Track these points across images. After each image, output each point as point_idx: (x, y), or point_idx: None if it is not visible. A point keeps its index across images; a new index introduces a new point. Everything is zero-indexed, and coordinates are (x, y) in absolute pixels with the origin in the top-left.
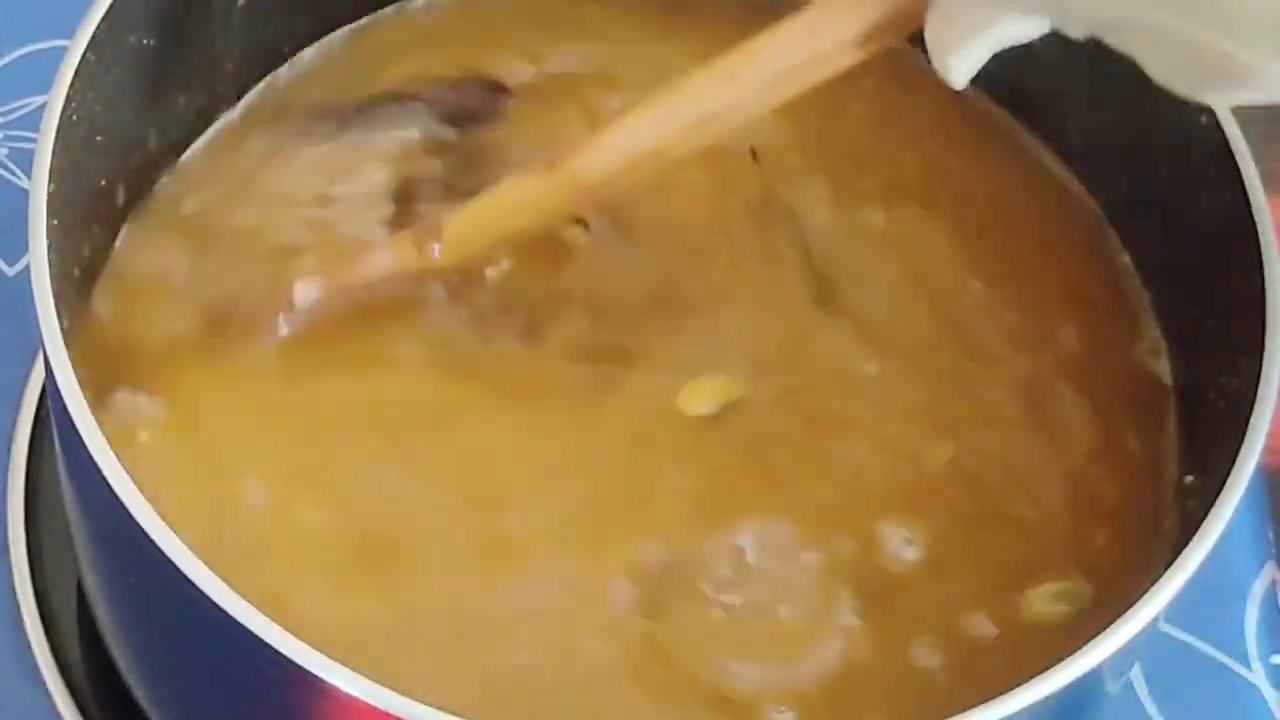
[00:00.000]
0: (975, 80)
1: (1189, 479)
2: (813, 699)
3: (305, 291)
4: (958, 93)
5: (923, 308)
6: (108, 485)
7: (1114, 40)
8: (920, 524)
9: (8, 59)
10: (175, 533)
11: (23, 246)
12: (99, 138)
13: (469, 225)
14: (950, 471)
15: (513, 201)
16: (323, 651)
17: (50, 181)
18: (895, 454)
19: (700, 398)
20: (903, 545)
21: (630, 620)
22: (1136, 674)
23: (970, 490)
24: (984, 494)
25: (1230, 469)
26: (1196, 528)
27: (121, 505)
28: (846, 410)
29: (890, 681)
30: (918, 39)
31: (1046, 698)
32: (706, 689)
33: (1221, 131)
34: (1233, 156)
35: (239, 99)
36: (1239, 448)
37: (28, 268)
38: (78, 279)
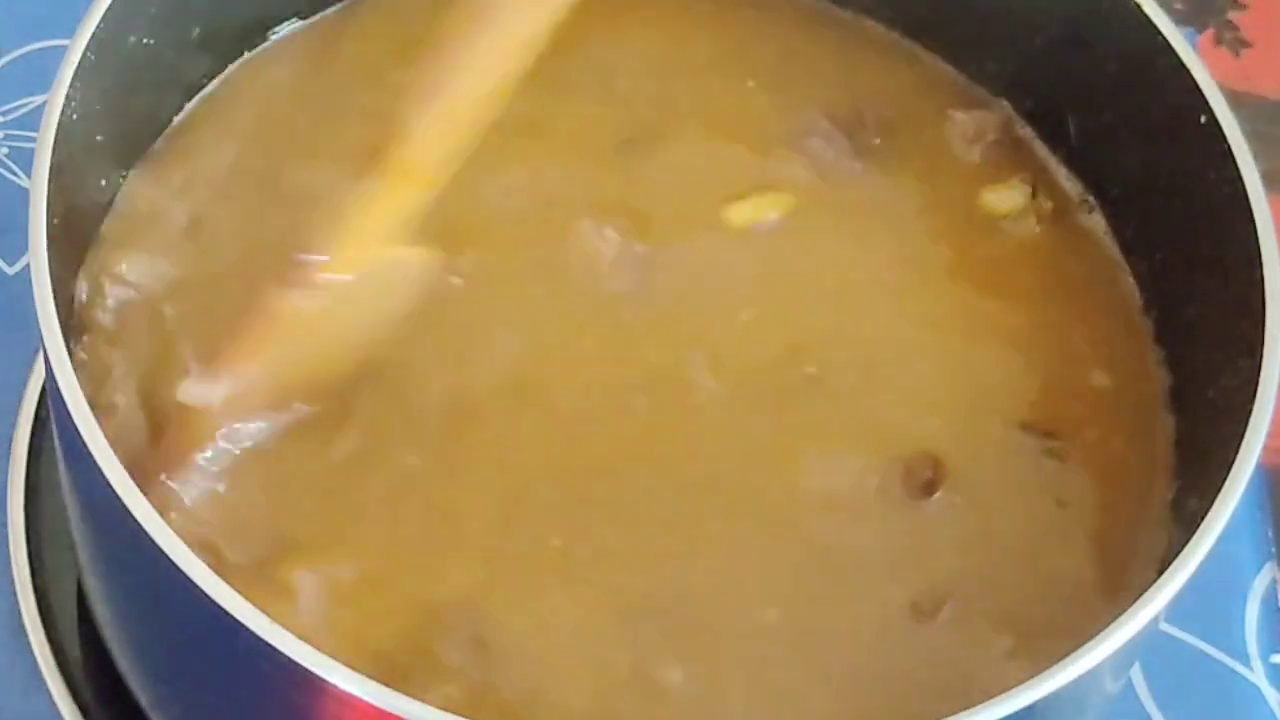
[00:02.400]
0: (979, 77)
1: (1188, 479)
2: None
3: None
4: (954, 82)
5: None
6: (108, 485)
7: None
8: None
9: (8, 59)
10: (175, 532)
11: (23, 246)
12: (99, 138)
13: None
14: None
15: (370, 215)
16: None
17: (50, 181)
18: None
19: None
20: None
21: None
22: (1136, 674)
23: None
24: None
25: (1230, 469)
26: (1196, 528)
27: (122, 505)
28: None
29: None
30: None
31: (1046, 697)
32: None
33: (1221, 131)
34: (1233, 156)
35: None
36: (1239, 448)
37: (28, 268)
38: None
